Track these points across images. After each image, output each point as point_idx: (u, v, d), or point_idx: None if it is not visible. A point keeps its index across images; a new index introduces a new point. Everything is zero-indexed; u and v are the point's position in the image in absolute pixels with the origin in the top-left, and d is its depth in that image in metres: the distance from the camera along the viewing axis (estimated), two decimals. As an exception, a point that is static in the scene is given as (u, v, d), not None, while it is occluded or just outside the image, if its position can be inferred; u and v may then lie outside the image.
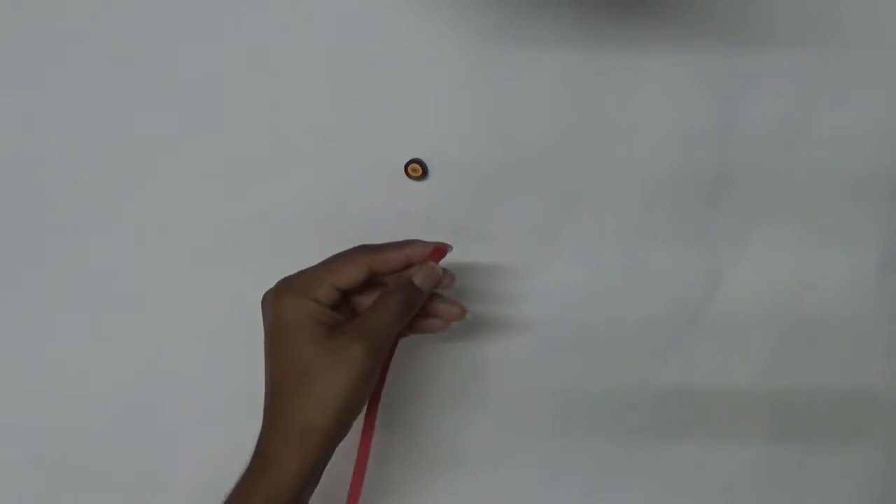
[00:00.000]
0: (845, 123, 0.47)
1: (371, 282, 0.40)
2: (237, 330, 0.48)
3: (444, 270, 0.41)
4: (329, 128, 0.47)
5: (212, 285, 0.48)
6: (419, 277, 0.40)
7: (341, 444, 0.39)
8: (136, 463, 0.49)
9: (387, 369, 0.42)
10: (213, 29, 0.47)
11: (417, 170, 0.47)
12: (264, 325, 0.40)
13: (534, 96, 0.46)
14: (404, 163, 0.47)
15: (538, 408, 0.48)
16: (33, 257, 0.48)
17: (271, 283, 0.48)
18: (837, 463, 0.49)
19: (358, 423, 0.40)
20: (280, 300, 0.39)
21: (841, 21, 0.47)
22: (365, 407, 0.40)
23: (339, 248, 0.48)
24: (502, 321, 0.47)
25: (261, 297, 0.46)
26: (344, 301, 0.40)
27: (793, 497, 0.50)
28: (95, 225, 0.48)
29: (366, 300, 0.41)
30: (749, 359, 0.49)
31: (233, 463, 0.49)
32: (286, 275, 0.47)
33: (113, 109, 0.47)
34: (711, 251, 0.48)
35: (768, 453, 0.49)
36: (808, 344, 0.49)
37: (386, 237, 0.47)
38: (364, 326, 0.38)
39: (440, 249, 0.41)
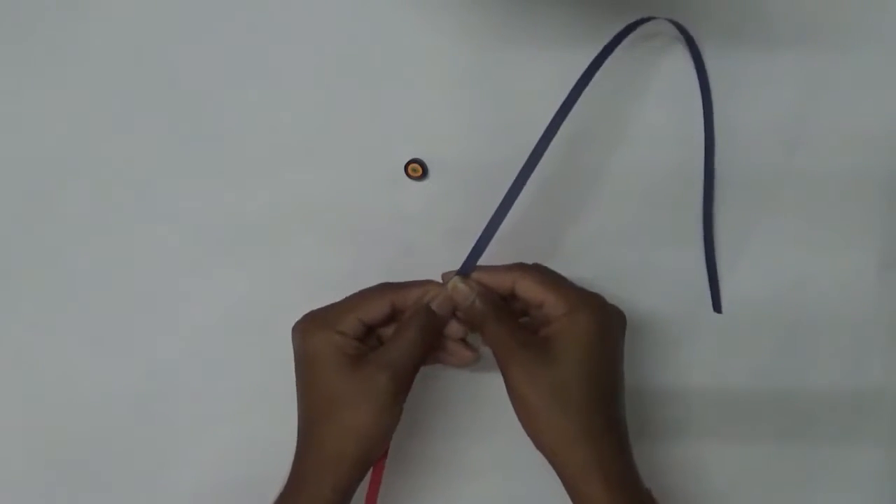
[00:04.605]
0: (845, 123, 0.47)
1: (395, 317, 0.42)
2: (237, 330, 0.48)
3: (471, 349, 0.43)
4: (329, 128, 0.47)
5: (212, 285, 0.48)
6: (436, 302, 0.41)
7: None
8: (136, 463, 0.49)
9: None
10: (213, 28, 0.47)
11: (417, 170, 0.47)
12: (294, 356, 0.41)
13: (534, 96, 0.46)
14: (404, 163, 0.47)
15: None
16: (33, 257, 0.48)
17: (270, 283, 0.48)
18: (837, 463, 0.49)
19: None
20: (307, 333, 0.41)
21: (841, 21, 0.47)
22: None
23: (339, 247, 0.48)
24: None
25: (261, 297, 0.46)
26: (370, 334, 0.42)
27: (793, 497, 0.50)
28: (95, 225, 0.48)
29: (390, 332, 0.42)
30: (749, 359, 0.49)
31: (233, 463, 0.49)
32: (285, 274, 0.48)
33: (113, 109, 0.47)
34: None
35: (768, 453, 0.49)
36: (808, 344, 0.49)
37: (386, 237, 0.48)
38: (386, 356, 0.39)
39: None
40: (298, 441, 0.41)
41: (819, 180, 0.48)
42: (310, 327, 0.41)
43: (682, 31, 0.45)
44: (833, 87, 0.47)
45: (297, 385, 0.41)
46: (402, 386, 0.39)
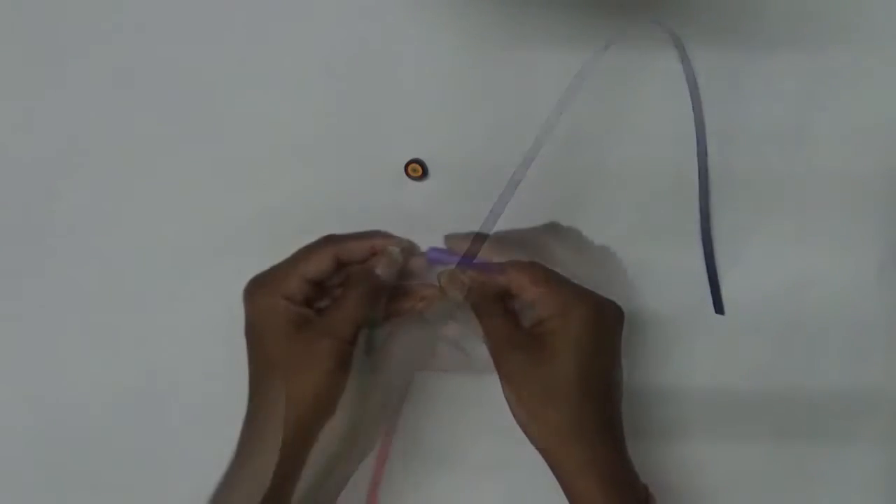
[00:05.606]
0: (845, 123, 0.47)
1: (340, 270, 0.42)
2: (237, 330, 0.48)
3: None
4: (329, 128, 0.47)
5: (212, 285, 0.48)
6: (380, 267, 0.41)
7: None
8: (135, 463, 0.49)
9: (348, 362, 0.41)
10: (212, 28, 0.47)
11: (417, 170, 0.47)
12: (244, 320, 0.41)
13: (533, 97, 0.46)
14: (404, 163, 0.47)
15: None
16: (33, 257, 0.48)
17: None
18: (837, 463, 0.49)
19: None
20: (253, 299, 0.41)
21: (841, 21, 0.47)
22: (337, 402, 0.40)
23: (339, 248, 0.48)
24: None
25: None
26: (322, 292, 0.41)
27: (793, 497, 0.50)
28: (95, 225, 0.48)
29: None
30: (749, 359, 0.49)
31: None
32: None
33: (113, 109, 0.47)
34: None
35: (768, 453, 0.49)
36: (808, 344, 0.49)
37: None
38: (329, 321, 0.39)
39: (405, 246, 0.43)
40: (248, 407, 0.41)
41: (819, 180, 0.48)
42: (254, 293, 0.41)
43: (670, 32, 0.45)
44: (833, 87, 0.47)
45: (247, 352, 0.41)
46: (345, 351, 0.39)
